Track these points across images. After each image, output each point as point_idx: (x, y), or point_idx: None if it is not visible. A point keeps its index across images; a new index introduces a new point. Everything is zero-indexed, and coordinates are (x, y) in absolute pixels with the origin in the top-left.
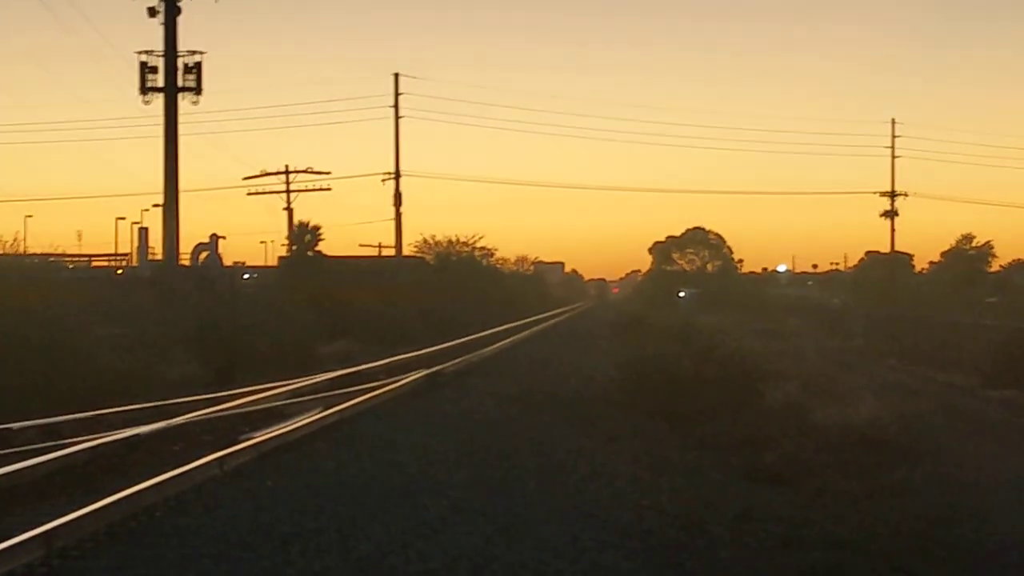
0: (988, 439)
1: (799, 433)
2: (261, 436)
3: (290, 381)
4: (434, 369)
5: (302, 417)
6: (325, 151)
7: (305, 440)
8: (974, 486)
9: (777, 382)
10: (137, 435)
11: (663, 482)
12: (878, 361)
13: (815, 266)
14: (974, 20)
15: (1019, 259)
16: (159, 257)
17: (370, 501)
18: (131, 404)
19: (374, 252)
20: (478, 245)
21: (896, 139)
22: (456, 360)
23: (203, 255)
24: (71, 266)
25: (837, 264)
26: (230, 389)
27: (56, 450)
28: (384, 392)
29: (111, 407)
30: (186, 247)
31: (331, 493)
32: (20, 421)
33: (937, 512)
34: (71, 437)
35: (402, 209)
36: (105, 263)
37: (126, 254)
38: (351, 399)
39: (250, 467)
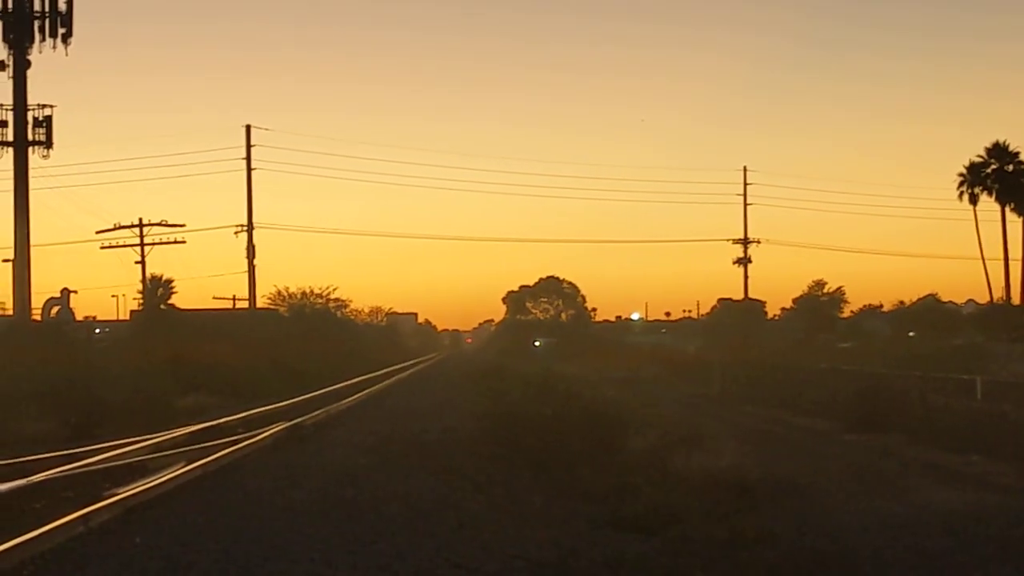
0: (851, 483)
1: (662, 481)
2: (125, 492)
3: (149, 436)
4: (294, 422)
5: (165, 472)
6: (179, 204)
7: (170, 495)
8: (840, 530)
9: (638, 430)
10: None
11: (530, 532)
12: (736, 407)
13: (668, 314)
14: (823, 72)
15: (870, 305)
16: (9, 312)
17: (240, 556)
18: None
19: (228, 305)
20: (332, 296)
21: (748, 187)
22: (315, 412)
23: (54, 310)
24: None
25: (690, 311)
26: (89, 444)
27: None
28: (246, 445)
29: None
30: (37, 302)
31: (201, 547)
32: None
33: (804, 556)
34: None
35: (255, 261)
36: None
37: None
38: (212, 453)
39: (116, 523)
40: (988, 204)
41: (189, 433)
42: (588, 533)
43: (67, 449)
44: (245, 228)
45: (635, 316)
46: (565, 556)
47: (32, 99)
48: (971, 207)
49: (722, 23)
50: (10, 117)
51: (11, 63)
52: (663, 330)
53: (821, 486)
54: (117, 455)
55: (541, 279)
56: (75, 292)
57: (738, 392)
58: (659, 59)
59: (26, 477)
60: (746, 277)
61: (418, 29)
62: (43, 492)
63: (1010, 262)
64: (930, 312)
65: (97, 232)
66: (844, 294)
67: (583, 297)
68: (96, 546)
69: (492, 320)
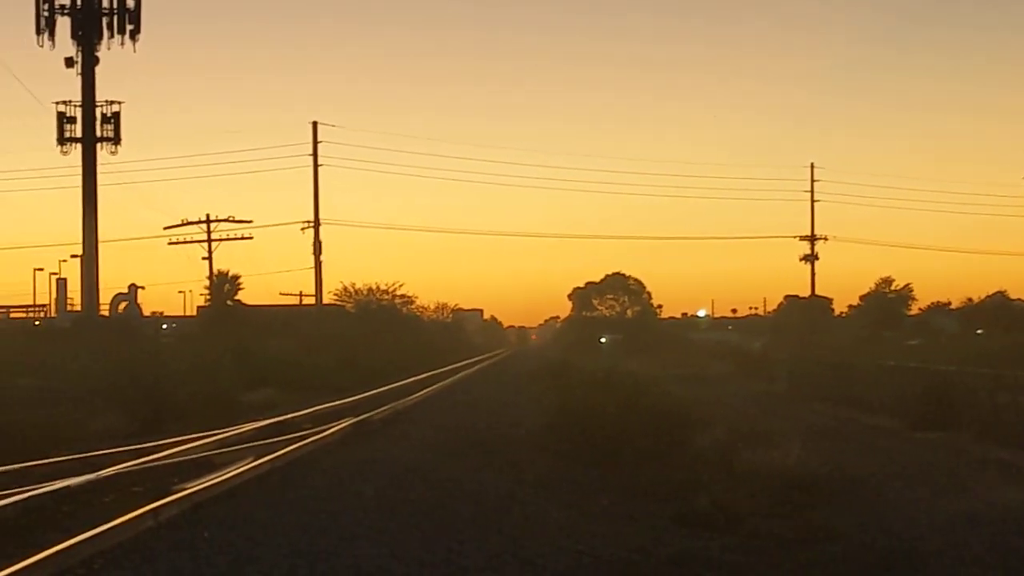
0: (918, 480)
1: (729, 478)
2: (193, 487)
3: (216, 431)
4: (361, 417)
5: (233, 467)
6: (246, 200)
7: (238, 490)
8: (907, 527)
9: (704, 427)
10: (67, 487)
11: (597, 528)
12: (803, 404)
13: (734, 310)
14: (890, 67)
15: (938, 302)
16: (78, 308)
17: (308, 550)
18: (57, 456)
19: (294, 301)
20: (398, 293)
21: (815, 183)
22: (381, 408)
23: (122, 305)
24: None
25: (756, 308)
26: (156, 440)
27: None
28: (312, 441)
29: (37, 459)
30: (105, 298)
31: (269, 542)
32: None
33: (871, 553)
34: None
35: (322, 257)
36: (23, 314)
37: (44, 305)
38: (280, 448)
39: (185, 518)
40: None
41: (256, 428)
42: (655, 530)
43: (135, 444)
44: (312, 224)
45: (701, 313)
46: (632, 553)
47: (100, 96)
48: None
49: (788, 19)
50: (79, 114)
51: (80, 60)
52: (729, 327)
53: (888, 483)
54: (184, 450)
55: (607, 276)
56: (143, 288)
57: (805, 389)
58: (726, 55)
59: (96, 472)
60: (813, 274)
61: (484, 27)
62: (112, 486)
63: None
64: (999, 309)
65: (165, 228)
66: (912, 291)
67: (649, 294)
68: (165, 540)
69: (558, 317)
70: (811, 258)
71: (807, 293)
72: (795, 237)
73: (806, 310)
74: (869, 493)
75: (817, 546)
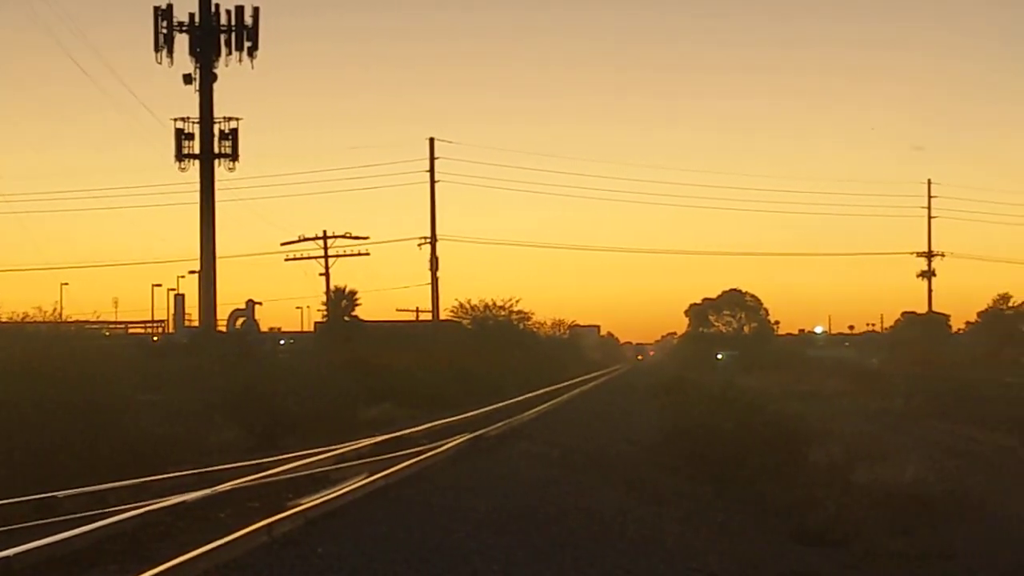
0: None
1: (844, 494)
2: (308, 502)
3: (333, 446)
4: (476, 433)
5: (348, 483)
6: (362, 216)
7: (352, 506)
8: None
9: (821, 444)
10: (183, 502)
11: (711, 544)
12: (920, 422)
13: (851, 327)
14: (1009, 78)
15: None
16: (195, 323)
17: (423, 566)
18: (175, 471)
19: (411, 316)
20: (514, 309)
21: (932, 199)
22: (497, 424)
23: (239, 321)
24: (107, 333)
25: (873, 325)
26: (273, 455)
27: (103, 518)
28: (428, 457)
29: (155, 474)
30: (222, 313)
31: (383, 558)
32: (65, 488)
33: (987, 573)
34: (117, 504)
35: (438, 273)
36: (141, 330)
37: (162, 321)
38: (396, 464)
39: (299, 533)
40: None
41: (372, 444)
42: (770, 546)
43: (252, 459)
44: (428, 240)
45: (818, 329)
46: (747, 569)
47: (218, 112)
48: None
49: (905, 32)
50: (197, 130)
51: (198, 76)
52: (846, 344)
53: (1006, 502)
54: (300, 465)
55: (724, 292)
56: (260, 303)
57: (922, 407)
58: (844, 66)
59: (212, 487)
60: (930, 290)
61: (600, 40)
62: (229, 501)
63: None
64: None
65: (282, 244)
66: None
67: (766, 310)
68: (279, 556)
69: (674, 333)
70: (928, 274)
71: (924, 310)
72: (912, 253)
73: (923, 327)
74: (986, 511)
75: (934, 563)
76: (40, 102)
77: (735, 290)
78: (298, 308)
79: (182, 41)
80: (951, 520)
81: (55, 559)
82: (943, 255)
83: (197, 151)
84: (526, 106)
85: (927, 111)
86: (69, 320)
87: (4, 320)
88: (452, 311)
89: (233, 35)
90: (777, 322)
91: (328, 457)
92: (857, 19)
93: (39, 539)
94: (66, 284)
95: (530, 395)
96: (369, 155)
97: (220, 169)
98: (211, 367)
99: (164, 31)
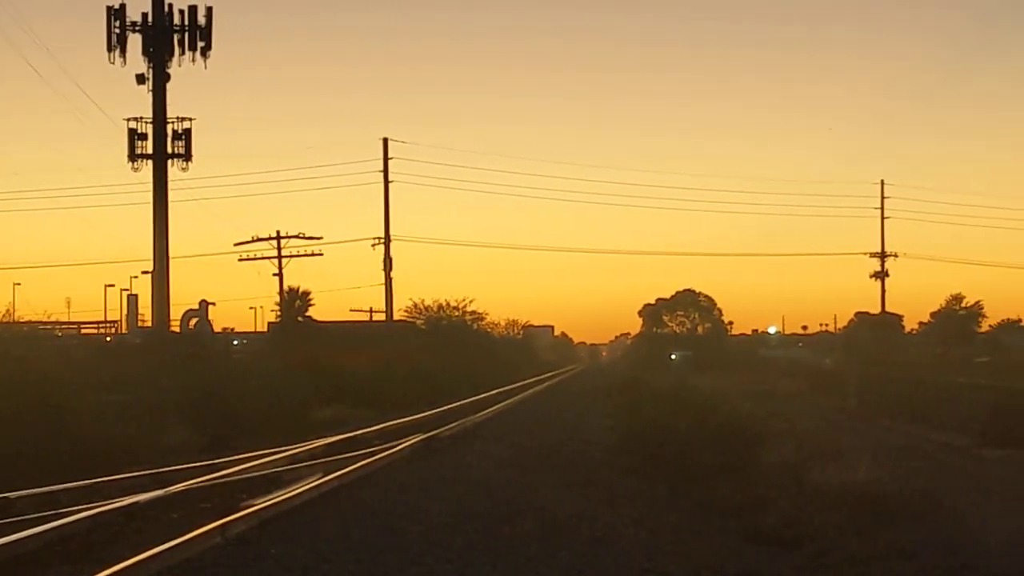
0: (988, 498)
1: (798, 495)
2: (261, 503)
3: (286, 447)
4: (430, 434)
5: (301, 483)
6: (316, 216)
7: (306, 506)
8: (977, 547)
9: (774, 444)
10: (137, 503)
11: (665, 545)
12: (873, 422)
13: (805, 327)
14: (961, 80)
15: (1009, 319)
16: (148, 324)
17: (377, 567)
18: (127, 472)
19: (365, 317)
20: (468, 309)
21: (885, 200)
22: (451, 425)
23: (192, 321)
24: (60, 333)
25: (827, 325)
26: (226, 455)
27: (56, 519)
28: (381, 458)
29: (108, 475)
30: (175, 313)
31: (337, 559)
32: (17, 489)
33: (940, 573)
34: (70, 506)
35: (392, 274)
36: (94, 330)
37: (115, 321)
38: (349, 465)
39: (252, 534)
40: None
41: (326, 445)
42: (724, 547)
43: (205, 460)
44: (382, 241)
45: (772, 330)
46: (700, 570)
47: (171, 112)
48: None
49: (858, 32)
50: (150, 130)
51: (151, 76)
52: (799, 344)
53: (958, 501)
54: (254, 466)
55: (678, 292)
56: (213, 304)
57: (874, 406)
58: (797, 67)
59: (165, 487)
60: (883, 291)
61: (553, 41)
62: (182, 502)
63: None
64: None
65: (235, 244)
66: (982, 308)
67: (719, 310)
68: (233, 556)
69: (628, 333)
70: (881, 275)
71: (877, 310)
72: (865, 254)
73: (876, 327)
74: (940, 511)
75: (887, 563)
76: None
77: (689, 290)
78: (252, 308)
79: (135, 41)
80: (904, 520)
81: (7, 561)
82: (896, 256)
83: (150, 151)
84: (480, 107)
85: (879, 113)
86: (22, 320)
87: None
88: (406, 311)
89: (186, 35)
90: (731, 322)
91: (281, 458)
92: (808, 21)
93: None
94: (19, 284)
95: (484, 395)
96: (323, 155)
97: (173, 169)
98: (164, 367)
99: (117, 31)
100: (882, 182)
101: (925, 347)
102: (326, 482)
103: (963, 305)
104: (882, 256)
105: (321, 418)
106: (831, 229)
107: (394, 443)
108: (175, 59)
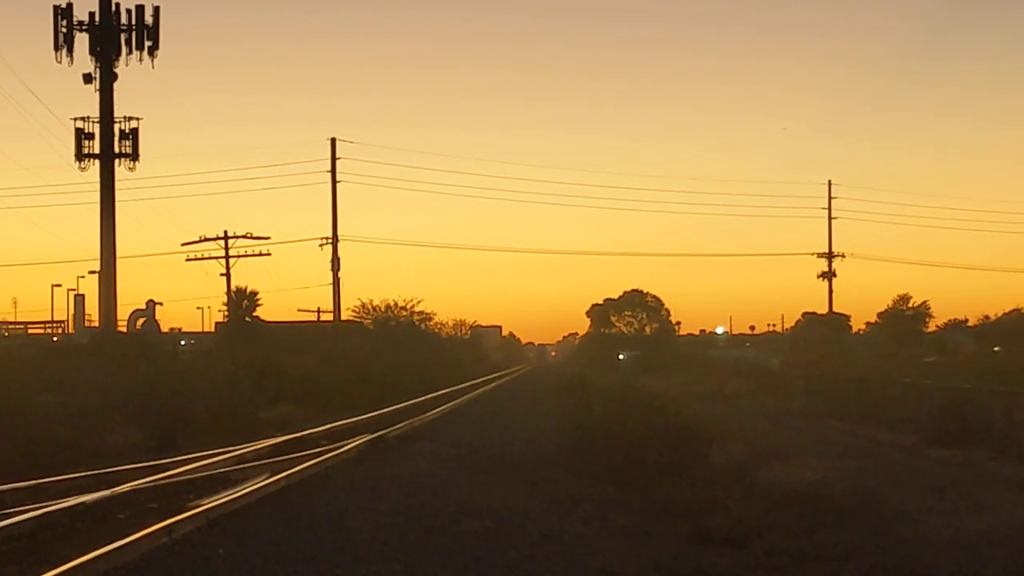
0: (934, 498)
1: (745, 495)
2: (208, 503)
3: (233, 448)
4: (377, 434)
5: (248, 484)
6: (264, 216)
7: (254, 507)
8: (924, 545)
9: (721, 444)
10: (83, 503)
11: (612, 545)
12: (820, 422)
13: (752, 327)
14: (908, 82)
15: (955, 319)
16: (95, 324)
17: (324, 566)
18: (74, 472)
19: (313, 317)
20: (416, 309)
21: (832, 200)
22: (398, 425)
23: (140, 321)
24: (6, 333)
25: (774, 325)
26: (173, 456)
27: (1, 519)
28: (329, 458)
29: (54, 475)
30: (123, 314)
31: (284, 558)
32: None
33: (887, 571)
34: (16, 506)
35: (340, 274)
36: (41, 330)
37: (62, 321)
38: (297, 465)
39: (200, 535)
40: None
41: (273, 445)
42: (672, 547)
43: (152, 460)
44: (330, 241)
45: (719, 330)
46: (648, 570)
47: (118, 112)
48: None
49: (808, 32)
50: (97, 130)
51: (98, 76)
52: (747, 344)
53: (905, 501)
54: (200, 466)
55: (625, 292)
56: (160, 304)
57: (821, 407)
58: (745, 69)
59: (111, 488)
60: (830, 291)
61: (501, 42)
62: (128, 503)
63: None
64: (1016, 327)
65: (183, 244)
66: (929, 309)
67: (667, 311)
68: (179, 557)
69: (576, 333)
70: (829, 275)
71: (825, 310)
72: (813, 254)
73: (824, 327)
74: (885, 510)
75: (833, 563)
76: None
77: (636, 290)
78: (199, 309)
79: (82, 40)
80: (852, 520)
81: None
82: (843, 256)
83: (97, 151)
84: (427, 107)
85: (826, 114)
86: None
87: None
88: (354, 311)
89: (134, 34)
90: (678, 322)
91: (228, 458)
92: (754, 23)
93: None
94: None
95: (432, 396)
96: (271, 155)
97: (120, 169)
98: (111, 368)
99: (64, 30)
100: (829, 183)
101: (873, 347)
102: (274, 482)
103: (910, 305)
104: (829, 256)
105: (268, 418)
106: (779, 229)
107: (342, 443)
108: (122, 58)
